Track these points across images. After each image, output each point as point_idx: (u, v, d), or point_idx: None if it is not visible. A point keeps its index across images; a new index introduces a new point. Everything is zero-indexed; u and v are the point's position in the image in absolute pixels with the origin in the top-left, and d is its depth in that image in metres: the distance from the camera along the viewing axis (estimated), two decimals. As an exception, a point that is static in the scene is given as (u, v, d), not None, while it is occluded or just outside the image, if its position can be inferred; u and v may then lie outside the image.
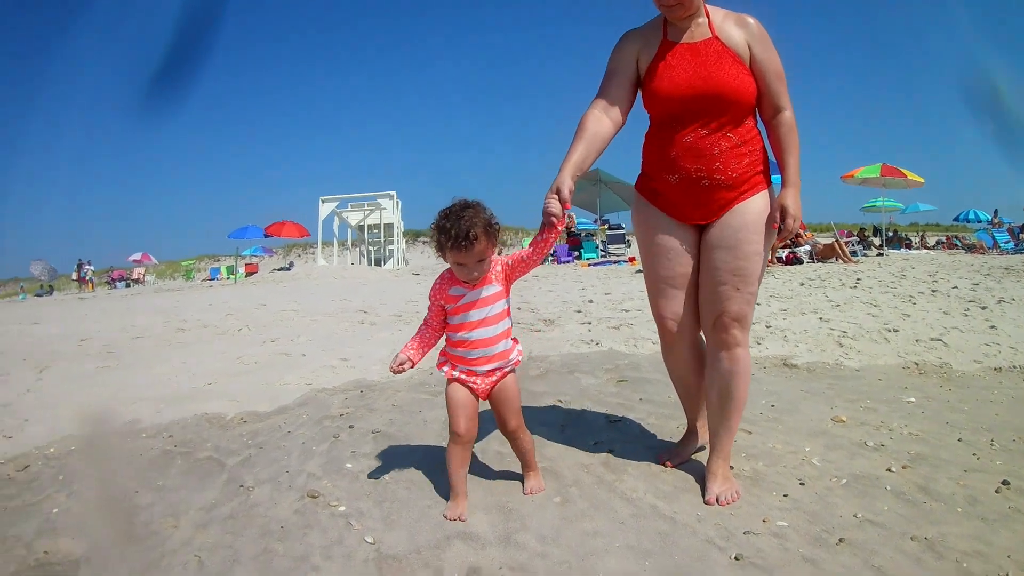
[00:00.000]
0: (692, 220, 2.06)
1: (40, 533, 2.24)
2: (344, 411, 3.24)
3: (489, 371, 2.06)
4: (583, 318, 5.89)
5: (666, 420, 2.84)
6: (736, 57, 1.93)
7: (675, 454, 2.36)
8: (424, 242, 33.10)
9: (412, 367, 2.06)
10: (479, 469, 2.42)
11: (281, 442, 2.85)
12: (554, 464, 2.40)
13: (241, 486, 2.46)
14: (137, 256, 28.51)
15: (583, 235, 18.36)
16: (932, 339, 4.36)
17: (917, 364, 3.80)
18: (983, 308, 5.52)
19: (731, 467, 2.21)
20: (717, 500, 2.01)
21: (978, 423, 2.69)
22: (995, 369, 3.68)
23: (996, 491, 2.03)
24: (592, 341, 4.72)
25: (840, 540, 1.77)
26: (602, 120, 2.03)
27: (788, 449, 2.43)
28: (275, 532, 2.02)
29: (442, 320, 2.09)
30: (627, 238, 18.17)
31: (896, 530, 1.82)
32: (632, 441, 2.62)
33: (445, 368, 2.11)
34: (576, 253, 16.68)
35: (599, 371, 3.82)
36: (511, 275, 2.04)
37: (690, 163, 1.97)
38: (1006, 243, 16.42)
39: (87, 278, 25.36)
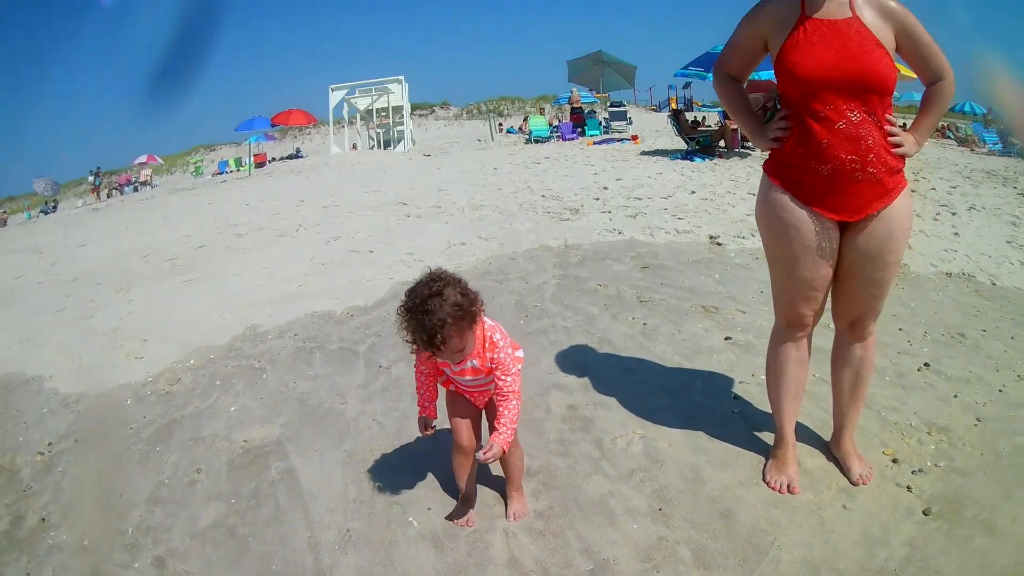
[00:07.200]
0: (839, 215, 1.88)
1: (231, 428, 2.60)
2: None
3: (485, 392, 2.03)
4: (602, 206, 6.50)
5: (682, 301, 3.67)
6: (878, 40, 1.78)
7: (775, 469, 2.21)
8: (421, 115, 31.85)
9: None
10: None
11: (394, 329, 3.36)
12: (607, 334, 3.26)
13: (380, 367, 3.03)
14: (142, 159, 27.75)
15: (586, 110, 18.21)
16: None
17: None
18: (953, 214, 5.86)
19: (731, 340, 3.01)
20: (861, 480, 2.13)
21: (918, 318, 3.41)
22: (946, 274, 4.21)
23: (918, 370, 2.78)
24: (615, 230, 5.42)
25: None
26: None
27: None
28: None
29: (436, 366, 2.00)
30: (628, 115, 18.16)
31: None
32: (659, 316, 3.46)
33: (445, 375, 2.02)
34: (580, 130, 16.49)
35: (625, 258, 4.59)
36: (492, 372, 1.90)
37: (844, 152, 1.79)
38: (994, 144, 15.93)
39: (99, 185, 24.86)
